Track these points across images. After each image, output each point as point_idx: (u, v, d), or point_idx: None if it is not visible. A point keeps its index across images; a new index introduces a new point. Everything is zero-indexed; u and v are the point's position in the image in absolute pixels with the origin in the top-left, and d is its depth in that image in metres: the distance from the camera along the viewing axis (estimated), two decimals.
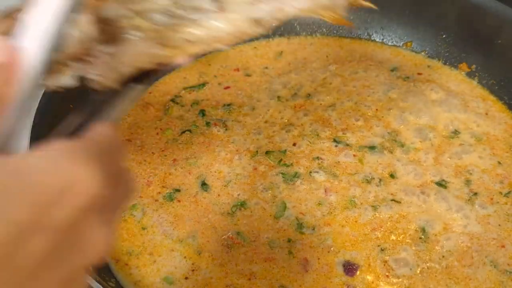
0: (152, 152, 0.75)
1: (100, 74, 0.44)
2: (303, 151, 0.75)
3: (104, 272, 0.63)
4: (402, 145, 0.75)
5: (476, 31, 0.86)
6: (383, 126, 0.78)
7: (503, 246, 0.65)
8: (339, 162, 0.74)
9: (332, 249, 0.65)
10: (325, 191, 0.70)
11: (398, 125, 0.78)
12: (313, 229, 0.67)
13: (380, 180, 0.72)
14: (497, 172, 0.73)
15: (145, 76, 0.46)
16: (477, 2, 0.85)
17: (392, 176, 0.72)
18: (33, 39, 0.34)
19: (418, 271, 0.63)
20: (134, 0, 0.47)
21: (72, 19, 0.36)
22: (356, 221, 0.68)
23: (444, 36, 0.89)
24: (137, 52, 0.46)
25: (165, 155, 0.75)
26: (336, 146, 0.75)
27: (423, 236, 0.66)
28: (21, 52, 0.33)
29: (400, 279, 0.62)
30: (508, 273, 0.63)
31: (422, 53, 0.90)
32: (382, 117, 0.79)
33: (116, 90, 0.43)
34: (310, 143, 0.75)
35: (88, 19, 0.41)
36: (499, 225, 0.68)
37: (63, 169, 0.30)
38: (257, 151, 0.74)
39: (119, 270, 0.64)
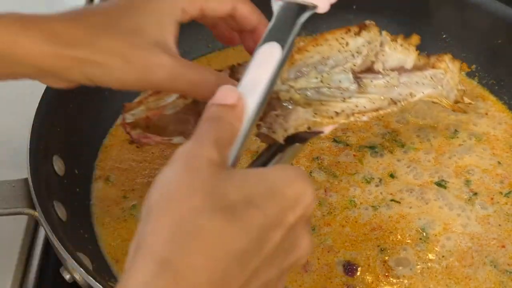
0: (152, 152, 0.75)
1: (269, 129, 0.56)
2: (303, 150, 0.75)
3: (104, 272, 0.63)
4: (402, 145, 0.75)
5: (476, 31, 0.86)
6: (383, 126, 0.78)
7: (503, 246, 0.65)
8: (339, 162, 0.74)
9: (332, 249, 0.65)
10: (325, 191, 0.70)
11: (398, 125, 0.78)
12: (313, 229, 0.67)
13: (380, 180, 0.72)
14: (497, 172, 0.73)
15: (302, 137, 0.57)
16: (477, 2, 0.85)
17: (392, 176, 0.72)
18: (253, 91, 0.46)
19: (418, 271, 0.63)
20: (291, 78, 0.59)
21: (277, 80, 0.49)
22: (356, 221, 0.68)
23: (444, 36, 0.89)
24: (297, 117, 0.57)
25: (165, 155, 0.75)
26: (336, 146, 0.75)
27: (423, 236, 0.66)
28: (244, 99, 0.44)
29: (400, 279, 0.62)
30: (508, 273, 0.63)
31: (422, 53, 0.90)
32: (382, 117, 0.79)
33: (281, 145, 0.55)
34: (310, 143, 0.75)
35: None
36: (499, 225, 0.68)
37: (298, 185, 0.40)
38: (257, 151, 0.74)
39: (119, 270, 0.64)
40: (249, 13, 0.57)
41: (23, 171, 0.61)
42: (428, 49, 0.90)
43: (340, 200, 0.69)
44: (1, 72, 0.52)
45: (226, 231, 0.36)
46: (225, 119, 0.43)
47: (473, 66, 0.86)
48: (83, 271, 0.54)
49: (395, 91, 0.63)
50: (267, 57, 0.49)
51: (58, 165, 0.68)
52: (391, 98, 0.62)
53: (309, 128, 0.58)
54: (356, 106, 0.60)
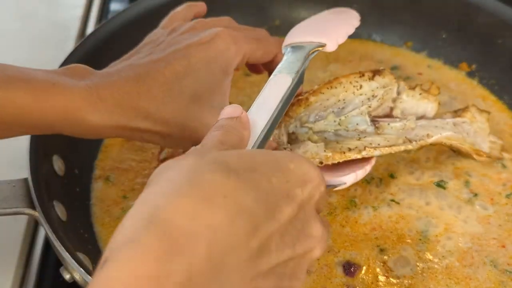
0: (152, 152, 0.75)
1: None
2: None
3: None
4: None
5: (476, 31, 0.86)
6: None
7: (503, 246, 0.65)
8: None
9: (332, 249, 0.65)
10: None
11: None
12: None
13: (380, 180, 0.71)
14: (500, 176, 0.73)
15: None
16: (477, 2, 0.85)
17: (392, 176, 0.72)
18: (263, 109, 0.51)
19: (418, 271, 0.63)
20: (310, 121, 0.64)
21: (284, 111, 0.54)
22: (356, 222, 0.68)
23: (444, 36, 0.89)
24: (305, 150, 0.60)
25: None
26: None
27: (422, 237, 0.66)
28: (255, 114, 0.49)
29: (400, 279, 0.62)
30: (508, 273, 0.63)
31: (422, 53, 0.90)
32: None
33: None
34: None
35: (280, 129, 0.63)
36: (500, 225, 0.68)
37: (303, 164, 0.40)
38: None
39: None
40: None
41: (23, 171, 0.61)
42: (428, 49, 0.90)
43: (341, 200, 0.69)
44: (51, 131, 0.55)
45: (229, 185, 0.34)
46: (229, 126, 0.45)
47: (473, 66, 0.86)
48: (83, 271, 0.54)
49: (412, 133, 0.65)
50: (278, 84, 0.55)
51: (58, 165, 0.68)
52: (406, 137, 0.64)
53: (321, 163, 0.60)
54: (370, 144, 0.62)
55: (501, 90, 0.84)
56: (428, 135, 0.65)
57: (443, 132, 0.66)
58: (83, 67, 0.57)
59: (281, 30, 0.91)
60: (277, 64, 0.61)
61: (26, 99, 0.51)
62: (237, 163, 0.36)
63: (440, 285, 0.62)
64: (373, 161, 0.62)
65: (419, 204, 0.69)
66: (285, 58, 0.60)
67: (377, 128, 0.64)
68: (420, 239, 0.66)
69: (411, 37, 0.91)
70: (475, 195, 0.70)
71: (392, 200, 0.69)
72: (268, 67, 0.67)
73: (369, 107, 0.64)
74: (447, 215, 0.68)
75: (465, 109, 0.70)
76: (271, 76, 0.56)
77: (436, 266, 0.64)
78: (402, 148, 0.63)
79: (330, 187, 0.59)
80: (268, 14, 0.90)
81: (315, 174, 0.40)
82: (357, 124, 0.64)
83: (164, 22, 0.66)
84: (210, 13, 0.71)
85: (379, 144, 0.62)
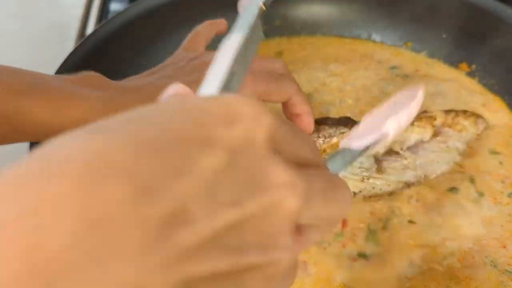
0: None
1: None
2: None
3: None
4: None
5: (476, 31, 0.86)
6: None
7: (504, 247, 0.65)
8: None
9: None
10: None
11: None
12: None
13: None
14: (498, 173, 0.73)
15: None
16: (477, 2, 0.85)
17: None
18: (210, 83, 0.41)
19: (419, 272, 0.63)
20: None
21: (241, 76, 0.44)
22: None
23: (444, 36, 0.89)
24: None
25: None
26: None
27: (424, 237, 0.66)
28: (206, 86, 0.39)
29: (401, 280, 0.62)
30: (508, 273, 0.63)
31: (422, 53, 0.90)
32: None
33: None
34: None
35: None
36: (501, 225, 0.68)
37: (225, 99, 0.29)
38: None
39: None
40: (298, 103, 0.62)
41: None
42: (428, 49, 0.90)
43: None
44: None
45: (92, 145, 0.25)
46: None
47: (473, 66, 0.86)
48: None
49: (410, 174, 0.67)
50: (226, 49, 0.45)
51: None
52: (405, 182, 0.67)
53: None
54: (373, 188, 0.65)
55: (501, 90, 0.84)
56: (425, 177, 0.68)
57: (438, 170, 0.69)
58: (98, 77, 0.57)
59: (281, 30, 0.92)
60: (292, 105, 0.62)
61: (44, 109, 0.51)
62: (114, 120, 0.27)
63: (441, 286, 0.62)
64: (420, 95, 0.46)
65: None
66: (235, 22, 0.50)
67: (379, 167, 0.67)
68: (421, 240, 0.66)
69: (411, 37, 0.91)
70: (481, 194, 0.70)
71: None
72: (288, 117, 0.65)
73: (377, 152, 0.68)
74: (449, 215, 0.68)
75: (455, 121, 0.73)
76: (220, 44, 0.47)
77: (437, 266, 0.64)
78: (399, 190, 0.68)
79: (368, 148, 0.45)
80: (268, 14, 0.90)
81: (246, 106, 0.28)
82: (361, 162, 0.66)
83: (186, 43, 0.66)
84: (208, 13, 0.71)
85: (381, 189, 0.66)
